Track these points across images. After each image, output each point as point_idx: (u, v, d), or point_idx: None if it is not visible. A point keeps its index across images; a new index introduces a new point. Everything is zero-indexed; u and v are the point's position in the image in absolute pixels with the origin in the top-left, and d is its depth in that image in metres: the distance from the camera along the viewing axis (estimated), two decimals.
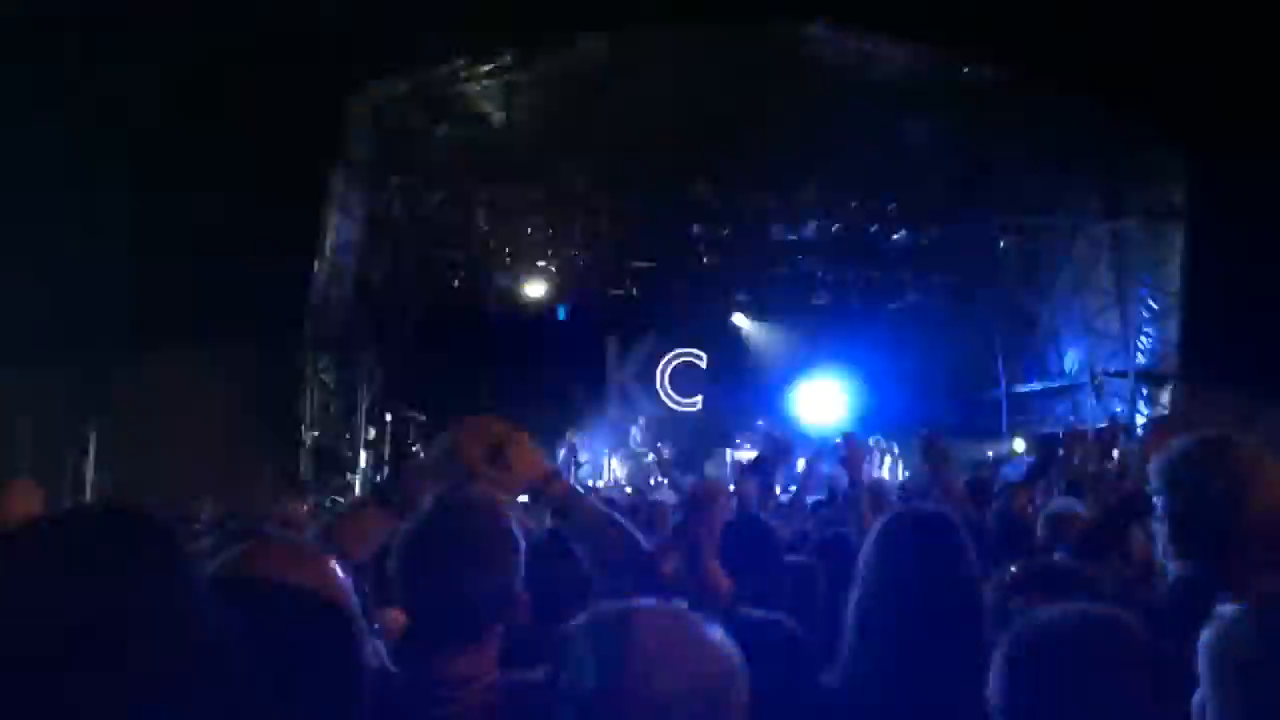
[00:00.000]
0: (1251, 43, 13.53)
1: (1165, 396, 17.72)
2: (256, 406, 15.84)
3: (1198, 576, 2.04)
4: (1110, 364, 18.94)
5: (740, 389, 21.69)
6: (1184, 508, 2.09)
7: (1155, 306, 18.03)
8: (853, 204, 18.98)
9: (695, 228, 19.54)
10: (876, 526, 2.45)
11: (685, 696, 1.41)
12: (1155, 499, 2.16)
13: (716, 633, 1.50)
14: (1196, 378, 16.66)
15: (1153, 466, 2.23)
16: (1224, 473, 2.07)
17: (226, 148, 13.25)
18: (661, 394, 20.91)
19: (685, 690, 1.41)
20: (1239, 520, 2.03)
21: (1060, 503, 3.89)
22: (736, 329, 22.28)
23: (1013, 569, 2.50)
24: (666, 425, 19.78)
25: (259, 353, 15.86)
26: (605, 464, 18.86)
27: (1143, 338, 18.26)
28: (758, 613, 2.16)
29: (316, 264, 16.60)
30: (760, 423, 19.35)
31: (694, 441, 19.35)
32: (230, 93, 13.01)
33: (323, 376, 17.64)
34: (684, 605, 1.55)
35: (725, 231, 19.90)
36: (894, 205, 18.90)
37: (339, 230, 17.42)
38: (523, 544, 2.15)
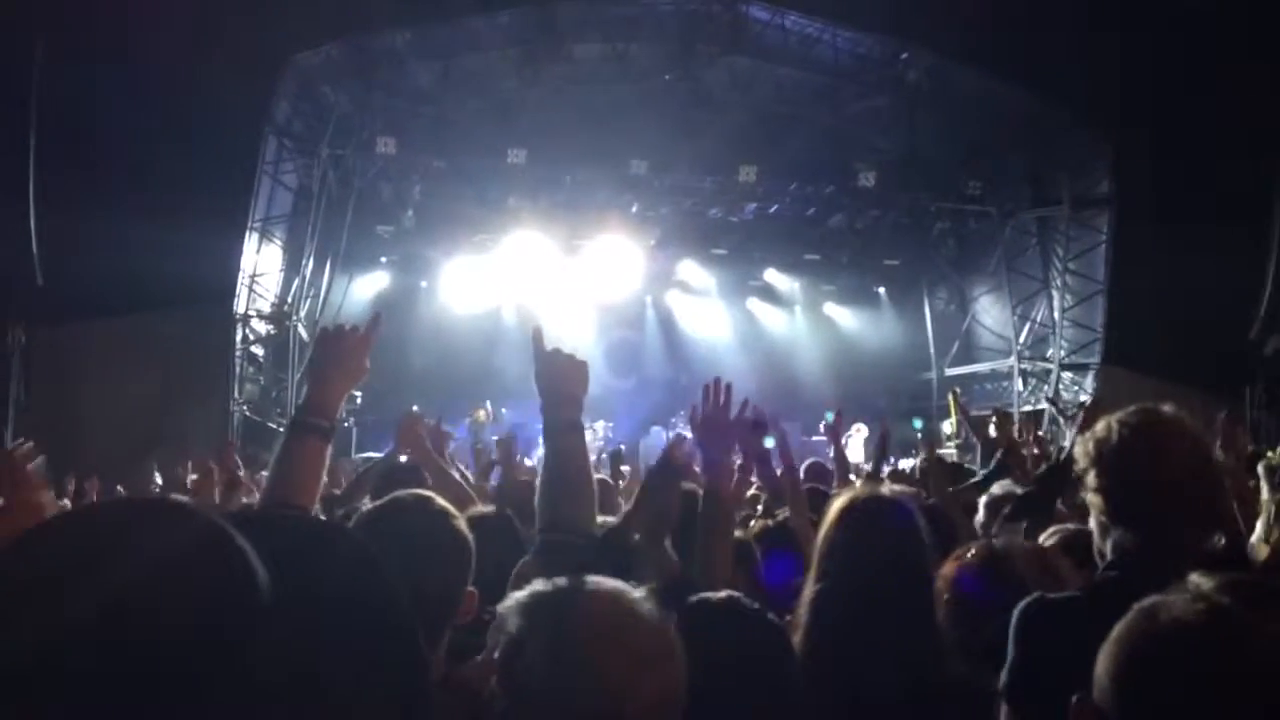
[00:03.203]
0: (1176, 39, 13.90)
1: (1088, 381, 18.24)
2: (184, 378, 15.47)
3: (1134, 543, 2.11)
4: (1037, 349, 19.44)
5: (676, 367, 21.78)
6: (1112, 479, 2.17)
7: (1080, 293, 18.52)
8: (791, 187, 19.12)
9: (635, 206, 19.53)
10: (834, 511, 2.52)
11: (619, 675, 1.40)
12: (1086, 475, 2.21)
13: (651, 609, 1.49)
14: (1117, 362, 17.16)
15: (1079, 446, 2.30)
16: (1145, 441, 2.13)
17: (157, 114, 12.86)
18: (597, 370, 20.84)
19: (619, 668, 1.41)
20: (1163, 484, 2.09)
21: (1000, 486, 4.00)
22: (673, 308, 22.36)
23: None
24: (601, 403, 19.73)
25: (187, 324, 15.49)
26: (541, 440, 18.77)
27: (1067, 323, 18.75)
28: (715, 593, 2.18)
29: (248, 235, 16.24)
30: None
31: (629, 419, 19.35)
32: (160, 57, 12.62)
33: (252, 349, 17.31)
34: (619, 584, 1.53)
35: (663, 210, 19.93)
36: (831, 189, 19.07)
37: (270, 201, 17.08)
38: (473, 545, 2.17)
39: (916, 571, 2.39)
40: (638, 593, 1.53)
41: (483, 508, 3.44)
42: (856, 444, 16.48)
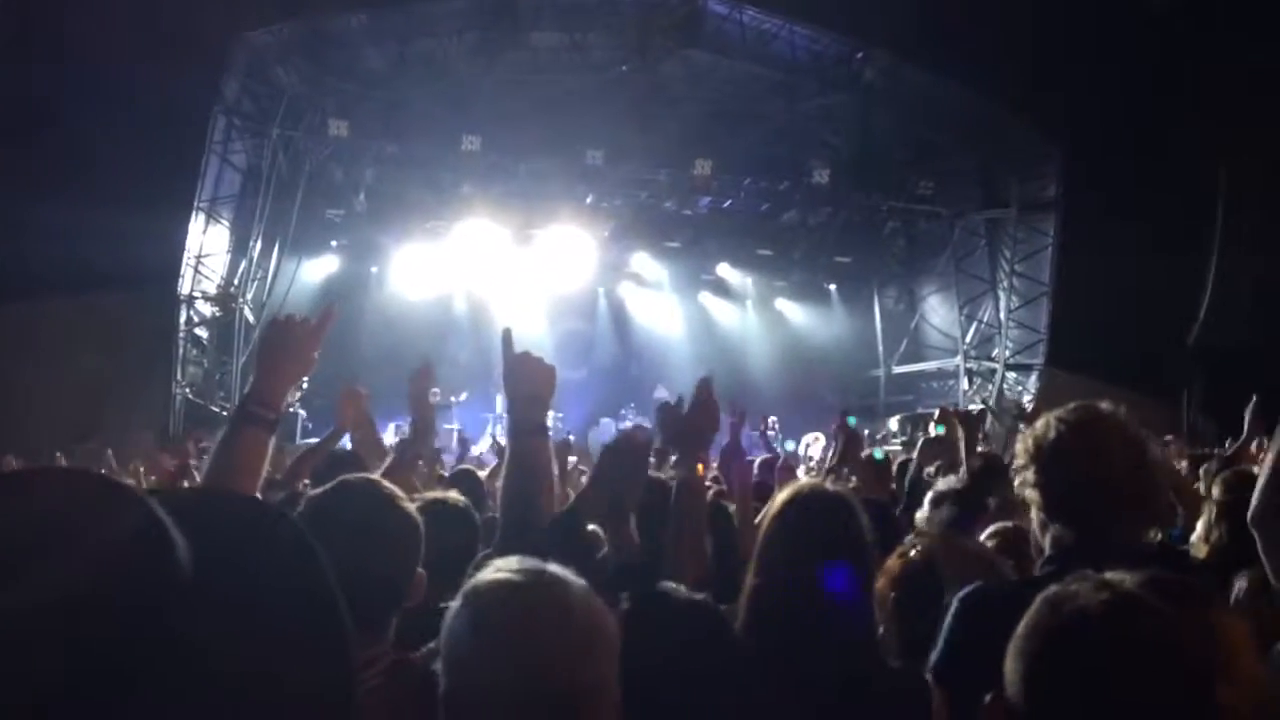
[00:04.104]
0: (1125, 48, 14.16)
1: (1031, 381, 18.56)
2: (126, 359, 15.15)
3: (1070, 538, 2.15)
4: (983, 348, 19.73)
5: (627, 359, 21.81)
6: (1050, 475, 2.20)
7: (1025, 294, 18.82)
8: (745, 182, 19.20)
9: (589, 197, 19.49)
10: (776, 504, 2.53)
11: (553, 663, 1.42)
12: (1026, 472, 2.24)
13: (589, 597, 1.51)
14: (1060, 363, 17.47)
15: (1020, 442, 2.33)
16: (1082, 438, 2.17)
17: (101, 90, 12.55)
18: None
19: (553, 657, 1.42)
20: (1099, 480, 2.13)
21: (944, 482, 4.05)
22: (625, 300, 22.37)
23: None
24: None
25: (130, 305, 15.17)
26: (489, 430, 18.67)
27: (1012, 324, 19.06)
28: (674, 587, 2.19)
29: (194, 215, 15.93)
30: (659, 391, 19.39)
31: (578, 410, 19.34)
32: (107, 32, 12.31)
33: (196, 331, 17.00)
34: (560, 572, 1.53)
35: (618, 202, 19.91)
36: (785, 185, 19.19)
37: (218, 181, 16.77)
38: (422, 529, 2.17)
39: (856, 566, 2.41)
40: (577, 580, 1.54)
41: (443, 494, 3.45)
42: (814, 454, 16.58)
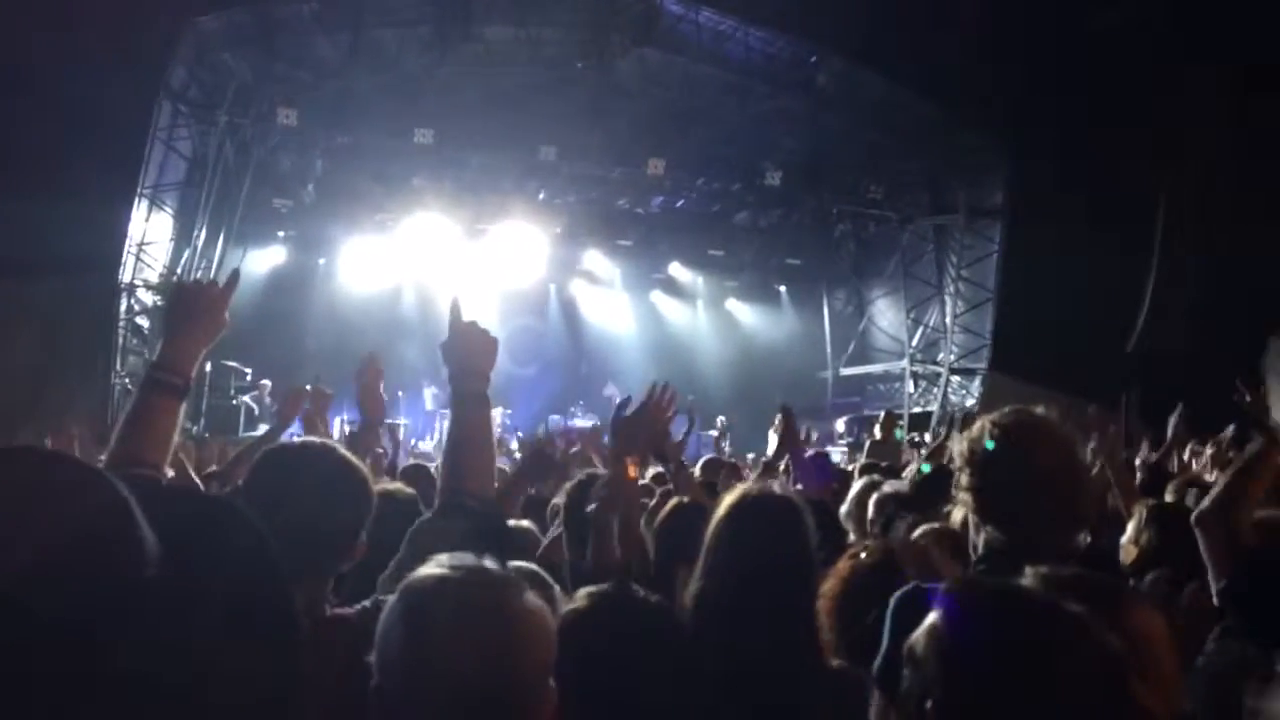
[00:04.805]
0: (1072, 58, 14.43)
1: (975, 385, 18.84)
2: (64, 348, 14.79)
3: (1000, 541, 2.19)
4: (929, 352, 20.00)
5: (578, 356, 21.78)
6: (981, 478, 2.24)
7: (971, 300, 19.10)
8: (698, 182, 19.27)
9: (541, 193, 19.43)
10: (723, 507, 2.53)
11: (478, 668, 1.42)
12: (961, 475, 2.28)
13: (521, 597, 1.50)
14: (1003, 368, 17.74)
15: (957, 445, 2.38)
16: (1013, 442, 2.22)
17: (43, 73, 12.23)
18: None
19: (472, 660, 1.42)
20: (1027, 483, 2.17)
21: (891, 485, 4.11)
22: (577, 297, 22.35)
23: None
24: (500, 390, 19.51)
25: (68, 292, 14.80)
26: (438, 427, 18.53)
27: (957, 329, 19.33)
28: (640, 590, 2.21)
29: (136, 201, 15.59)
30: (609, 388, 19.40)
31: (527, 407, 19.28)
32: (53, 14, 12.01)
33: (138, 320, 16.65)
34: (494, 570, 1.52)
35: (570, 198, 19.87)
36: (738, 186, 19.28)
37: (163, 168, 16.44)
38: (375, 494, 2.19)
39: (799, 568, 2.43)
40: (514, 577, 1.54)
41: (391, 485, 3.47)
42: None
